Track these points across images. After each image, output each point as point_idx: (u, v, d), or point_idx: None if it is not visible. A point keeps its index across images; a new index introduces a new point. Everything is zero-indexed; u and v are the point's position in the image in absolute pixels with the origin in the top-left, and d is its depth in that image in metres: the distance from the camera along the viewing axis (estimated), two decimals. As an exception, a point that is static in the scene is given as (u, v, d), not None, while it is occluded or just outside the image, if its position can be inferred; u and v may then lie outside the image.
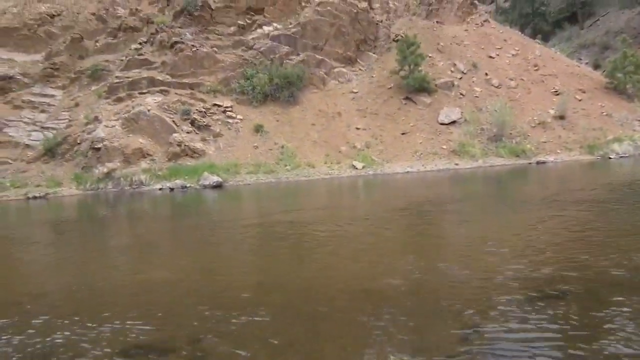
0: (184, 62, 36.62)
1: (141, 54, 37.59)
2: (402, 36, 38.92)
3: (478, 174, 29.03)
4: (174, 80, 35.92)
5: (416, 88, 36.23)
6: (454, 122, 34.87)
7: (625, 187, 19.04)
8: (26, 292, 9.48)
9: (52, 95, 37.80)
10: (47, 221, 21.47)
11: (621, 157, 31.73)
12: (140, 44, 38.65)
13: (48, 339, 6.75)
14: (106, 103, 35.20)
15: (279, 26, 39.02)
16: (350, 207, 19.78)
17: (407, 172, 30.92)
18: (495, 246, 10.53)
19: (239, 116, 34.97)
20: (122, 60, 38.21)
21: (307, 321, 6.92)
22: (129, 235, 16.54)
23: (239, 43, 38.43)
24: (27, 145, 34.67)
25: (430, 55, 38.69)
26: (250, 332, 6.59)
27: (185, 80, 36.10)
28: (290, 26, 38.85)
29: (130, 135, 32.66)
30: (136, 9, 41.67)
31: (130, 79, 35.93)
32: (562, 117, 35.16)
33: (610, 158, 31.66)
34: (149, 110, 33.20)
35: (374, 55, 40.40)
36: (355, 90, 37.58)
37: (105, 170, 31.20)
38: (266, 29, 38.94)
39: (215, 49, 37.76)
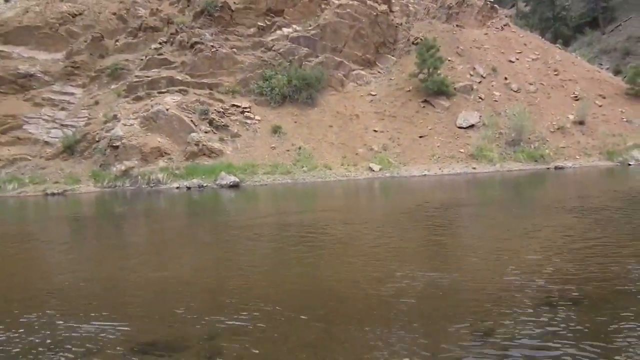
0: (203, 62, 36.77)
1: (161, 54, 37.78)
2: (421, 39, 38.82)
3: (495, 178, 28.86)
4: (193, 80, 36.07)
5: (435, 91, 36.10)
6: (472, 126, 34.71)
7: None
8: (42, 287, 9.54)
9: (72, 94, 38.07)
10: (64, 217, 21.63)
11: (641, 163, 31.46)
12: (160, 43, 38.85)
13: (60, 334, 6.78)
14: (125, 102, 35.41)
15: (298, 28, 39.07)
16: (365, 210, 19.73)
17: (424, 175, 30.81)
18: (507, 253, 10.45)
19: (257, 117, 35.04)
20: (141, 59, 38.42)
21: (320, 323, 6.89)
22: (145, 233, 16.60)
23: (259, 44, 38.53)
24: (47, 142, 34.94)
25: (449, 58, 38.55)
26: (263, 332, 6.57)
27: (204, 81, 36.25)
28: (309, 28, 38.88)
29: (149, 134, 32.83)
30: (157, 9, 41.89)
31: (150, 79, 36.13)
32: (581, 123, 34.89)
33: (629, 164, 31.37)
34: (167, 110, 33.35)
35: (392, 58, 40.33)
36: (373, 93, 37.51)
37: (123, 168, 31.36)
38: (286, 30, 39.01)
39: (234, 49, 37.89)
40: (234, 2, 39.60)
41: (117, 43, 40.68)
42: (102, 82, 38.42)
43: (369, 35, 39.43)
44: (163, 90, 35.42)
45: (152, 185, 30.56)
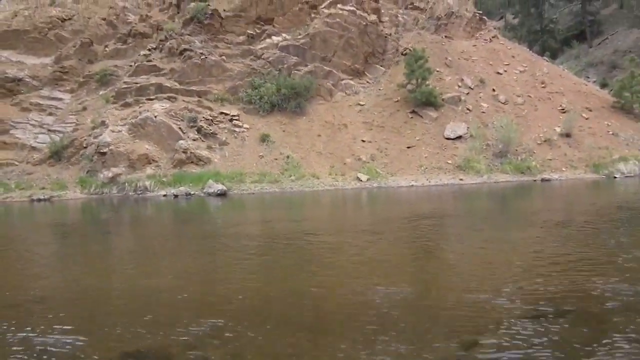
0: (192, 69, 36.78)
1: (150, 60, 37.75)
2: (410, 50, 38.96)
3: (482, 189, 29.04)
4: (181, 87, 36.06)
5: (423, 102, 36.23)
6: (459, 137, 34.87)
7: (625, 209, 19.02)
8: (25, 295, 9.49)
9: (60, 99, 37.98)
10: (50, 224, 21.53)
11: (626, 176, 31.70)
12: (149, 50, 38.82)
13: (44, 342, 6.77)
14: (113, 108, 35.33)
15: (288, 37, 39.16)
16: (352, 219, 19.79)
17: (412, 185, 30.92)
18: (493, 264, 10.53)
19: (245, 125, 35.05)
20: (130, 66, 38.38)
21: (307, 331, 6.93)
22: (130, 241, 16.57)
23: (248, 52, 38.59)
24: (33, 148, 34.82)
25: (438, 69, 38.72)
26: (249, 341, 6.60)
27: (193, 88, 36.23)
28: (299, 37, 38.96)
29: (137, 140, 32.78)
30: (146, 16, 41.91)
31: (138, 85, 36.08)
32: (568, 135, 35.14)
33: (615, 177, 31.63)
34: (155, 117, 33.31)
35: (381, 68, 40.48)
36: (362, 103, 37.63)
37: (110, 175, 31.27)
38: (275, 39, 39.08)
39: (223, 57, 37.91)
40: (224, 10, 39.66)
41: (106, 49, 40.65)
42: (90, 88, 38.35)
43: (358, 45, 39.56)
44: (152, 97, 35.37)
45: (139, 192, 30.50)
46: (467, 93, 37.93)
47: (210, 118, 34.63)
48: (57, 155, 33.98)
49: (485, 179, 31.84)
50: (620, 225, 14.82)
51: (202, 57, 36.99)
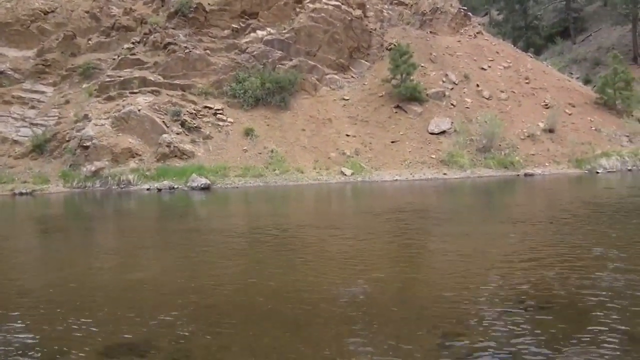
0: (176, 63, 36.57)
1: (134, 54, 37.50)
2: (395, 45, 38.96)
3: (466, 184, 29.21)
4: (165, 81, 35.86)
5: (407, 97, 36.29)
6: (443, 132, 34.96)
7: (606, 204, 19.19)
8: (9, 289, 9.43)
9: (43, 92, 37.63)
10: (32, 217, 21.40)
11: (608, 172, 31.94)
12: (133, 43, 38.55)
13: (29, 336, 6.73)
14: (96, 101, 35.06)
15: (272, 31, 39.04)
16: (335, 214, 19.81)
17: (396, 180, 30.97)
18: (474, 258, 10.58)
19: (229, 119, 34.93)
20: (114, 59, 38.08)
21: (290, 325, 6.93)
22: (113, 235, 16.50)
23: (232, 46, 38.43)
24: (15, 141, 34.48)
25: (422, 65, 38.75)
26: (233, 335, 6.59)
27: (176, 82, 36.04)
28: (284, 31, 38.86)
29: (120, 134, 32.59)
30: (130, 9, 41.58)
31: (122, 78, 35.82)
32: (551, 131, 35.33)
33: (597, 173, 31.86)
34: (139, 110, 33.12)
35: (366, 63, 40.46)
36: (346, 98, 37.61)
37: (93, 168, 31.06)
38: (260, 33, 38.95)
39: (208, 51, 37.74)
40: (209, 4, 39.46)
41: (89, 42, 40.29)
42: (73, 81, 37.99)
43: (343, 40, 39.52)
44: (135, 91, 35.12)
45: (122, 186, 30.33)
46: (452, 88, 38.03)
47: (194, 112, 34.48)
48: (39, 148, 33.68)
49: (468, 173, 31.98)
50: (594, 221, 14.96)
51: (186, 51, 36.79)
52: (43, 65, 38.50)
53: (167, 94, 35.07)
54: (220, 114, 34.98)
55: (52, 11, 41.77)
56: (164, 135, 32.33)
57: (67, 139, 33.49)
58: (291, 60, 38.12)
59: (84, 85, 37.12)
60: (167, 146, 31.94)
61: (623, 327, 6.35)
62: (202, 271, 10.39)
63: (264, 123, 35.18)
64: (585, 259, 9.99)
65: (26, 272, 11.03)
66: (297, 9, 39.99)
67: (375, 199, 24.55)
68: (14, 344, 6.46)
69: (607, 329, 6.30)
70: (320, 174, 31.78)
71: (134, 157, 31.88)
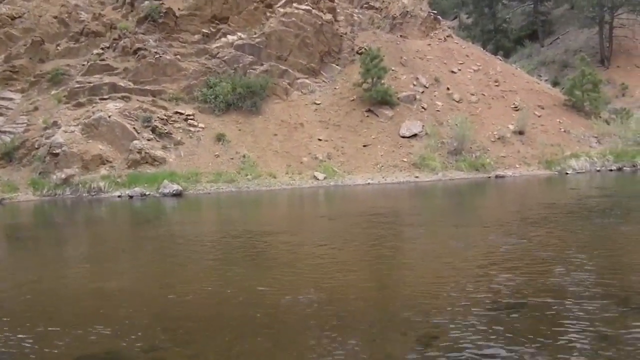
0: (146, 68, 36.33)
1: (103, 60, 37.17)
2: (365, 49, 39.12)
3: (437, 187, 29.45)
4: (135, 86, 35.58)
5: (378, 101, 36.47)
6: (415, 136, 35.19)
7: (573, 204, 19.47)
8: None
9: (11, 99, 37.10)
10: (1, 227, 21.12)
11: (578, 172, 32.40)
12: (102, 49, 38.22)
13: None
14: (66, 108, 34.67)
15: (243, 35, 38.97)
16: (308, 218, 19.84)
17: (368, 183, 31.11)
18: (449, 259, 10.67)
19: (200, 125, 34.79)
20: (83, 65, 37.70)
21: (265, 330, 6.94)
22: (83, 243, 16.35)
23: (203, 51, 38.30)
24: (-17, 149, 33.96)
25: (393, 68, 38.97)
26: (207, 342, 6.58)
27: (147, 87, 35.78)
28: (254, 36, 38.81)
29: (90, 141, 32.26)
30: (99, 14, 41.24)
31: (92, 84, 35.47)
32: (521, 133, 35.76)
33: (567, 173, 32.31)
34: (109, 117, 32.83)
35: (337, 67, 40.57)
36: (318, 102, 37.67)
37: (63, 176, 30.69)
38: (230, 38, 38.86)
39: (178, 56, 37.57)
40: (179, 9, 39.31)
41: (58, 47, 39.86)
42: (42, 88, 37.51)
43: (314, 44, 39.58)
44: (105, 97, 34.79)
45: (93, 193, 30.02)
46: (422, 92, 38.29)
47: (165, 118, 34.27)
48: (7, 156, 33.18)
49: (440, 176, 32.21)
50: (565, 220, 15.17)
51: (156, 56, 36.57)
52: (11, 71, 37.97)
53: (138, 100, 34.81)
54: (191, 119, 34.81)
55: (20, 16, 41.25)
56: (135, 142, 32.09)
57: (36, 147, 33.06)
58: (262, 65, 38.08)
59: (53, 92, 36.67)
60: (138, 152, 31.70)
61: (592, 328, 6.46)
62: (173, 279, 10.34)
63: (235, 128, 35.09)
64: (551, 261, 10.13)
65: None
66: (268, 14, 40.00)
67: (347, 202, 24.65)
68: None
69: (577, 329, 6.41)
70: (292, 178, 31.79)
71: (104, 164, 31.60)
